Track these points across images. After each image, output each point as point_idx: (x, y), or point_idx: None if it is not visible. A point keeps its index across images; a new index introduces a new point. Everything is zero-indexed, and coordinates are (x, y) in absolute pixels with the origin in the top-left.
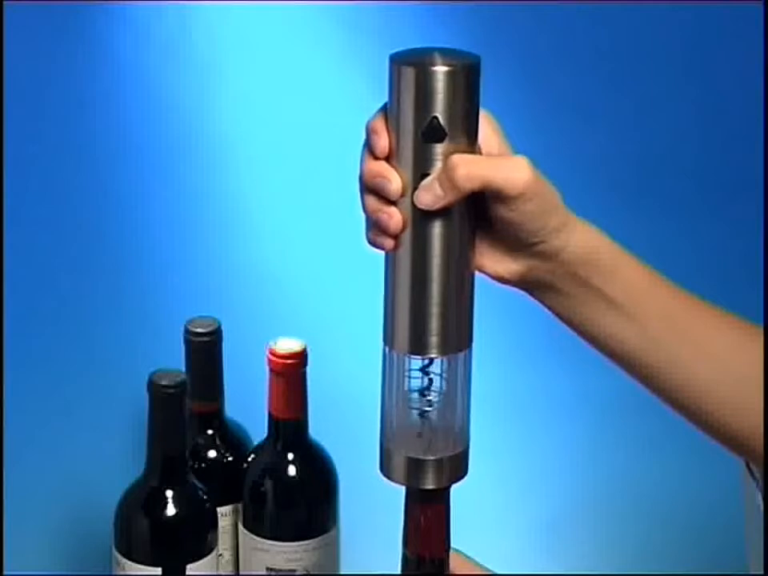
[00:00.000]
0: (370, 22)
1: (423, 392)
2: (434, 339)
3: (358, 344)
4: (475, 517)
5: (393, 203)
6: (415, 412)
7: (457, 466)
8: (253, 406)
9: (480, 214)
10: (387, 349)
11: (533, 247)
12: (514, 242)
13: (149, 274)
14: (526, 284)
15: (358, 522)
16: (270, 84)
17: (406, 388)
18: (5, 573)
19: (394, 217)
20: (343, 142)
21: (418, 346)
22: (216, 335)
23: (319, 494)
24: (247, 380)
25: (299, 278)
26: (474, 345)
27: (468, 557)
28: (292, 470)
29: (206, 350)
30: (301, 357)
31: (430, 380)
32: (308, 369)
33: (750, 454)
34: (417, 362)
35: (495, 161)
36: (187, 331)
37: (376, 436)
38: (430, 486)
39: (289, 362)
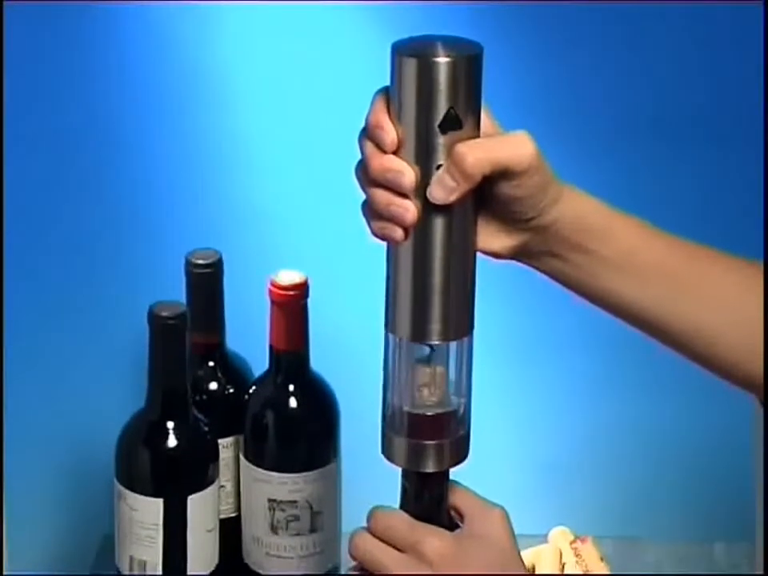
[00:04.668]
0: (371, 22)
1: (425, 377)
2: (436, 326)
3: (359, 276)
4: (478, 455)
5: (405, 195)
6: (417, 397)
7: (457, 450)
8: (254, 337)
9: (478, 194)
10: (389, 335)
11: (528, 222)
12: (510, 218)
13: (150, 207)
14: (521, 256)
15: (359, 453)
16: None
17: (407, 374)
18: (5, 573)
19: (410, 209)
20: (344, 81)
21: (420, 332)
22: (217, 267)
23: (320, 425)
24: (248, 312)
25: (301, 210)
26: (479, 284)
27: (466, 488)
28: (293, 402)
29: (206, 282)
30: (302, 288)
31: (432, 366)
32: (309, 301)
33: (765, 394)
34: (419, 348)
35: (499, 141)
36: (188, 263)
37: (376, 368)
38: (431, 470)
39: (290, 293)
